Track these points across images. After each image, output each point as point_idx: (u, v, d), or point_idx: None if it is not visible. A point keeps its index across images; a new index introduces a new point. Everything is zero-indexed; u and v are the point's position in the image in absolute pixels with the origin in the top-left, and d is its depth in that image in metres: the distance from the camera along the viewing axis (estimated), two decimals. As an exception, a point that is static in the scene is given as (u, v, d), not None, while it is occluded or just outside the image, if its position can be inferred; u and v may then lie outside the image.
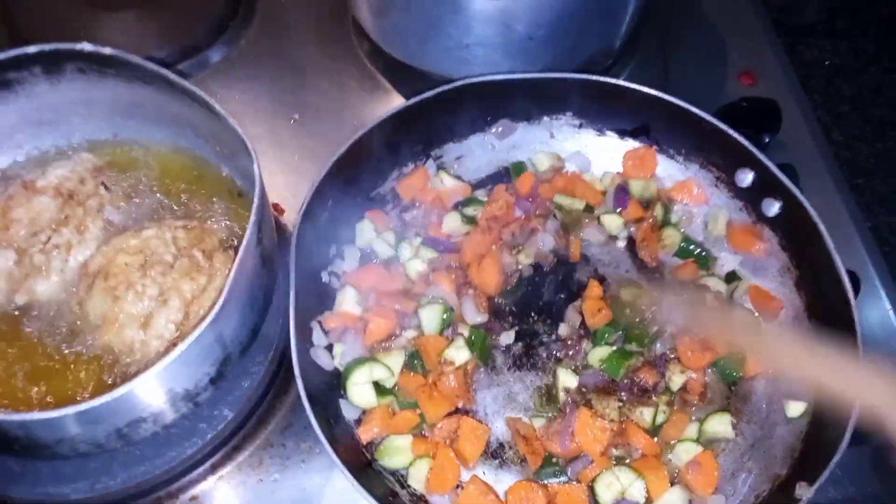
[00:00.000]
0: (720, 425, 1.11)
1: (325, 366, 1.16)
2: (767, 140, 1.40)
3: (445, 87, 1.27)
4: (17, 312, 1.13)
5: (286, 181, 1.40)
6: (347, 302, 1.22)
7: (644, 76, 1.56)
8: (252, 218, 0.99)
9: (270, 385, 1.18)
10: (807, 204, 1.17)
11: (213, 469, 1.12)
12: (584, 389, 1.16)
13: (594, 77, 1.28)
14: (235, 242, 1.18)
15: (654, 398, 1.13)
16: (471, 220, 1.29)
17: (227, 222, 1.22)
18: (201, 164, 1.27)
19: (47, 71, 1.17)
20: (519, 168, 1.36)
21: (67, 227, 1.16)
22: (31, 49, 1.12)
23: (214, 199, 1.24)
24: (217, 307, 0.93)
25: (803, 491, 0.99)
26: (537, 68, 1.37)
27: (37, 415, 0.85)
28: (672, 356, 1.17)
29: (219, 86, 1.54)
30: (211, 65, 1.59)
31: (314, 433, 1.14)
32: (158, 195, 1.25)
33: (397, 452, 1.10)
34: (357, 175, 1.28)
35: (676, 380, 1.13)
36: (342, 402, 1.15)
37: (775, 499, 1.03)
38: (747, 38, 1.65)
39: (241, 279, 0.97)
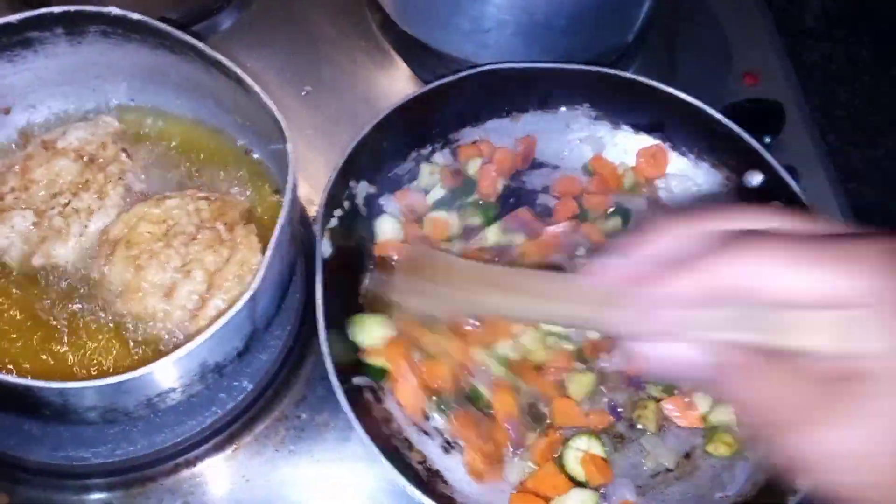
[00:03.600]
0: (725, 415, 1.17)
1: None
2: (768, 141, 1.45)
3: (469, 72, 1.29)
4: (33, 275, 1.13)
5: (299, 154, 1.40)
6: (387, 231, 1.26)
7: (650, 72, 1.57)
8: (286, 198, 1.00)
9: (287, 358, 1.20)
10: (813, 210, 1.22)
11: (231, 439, 1.14)
12: None
13: (616, 72, 1.31)
14: (257, 215, 1.19)
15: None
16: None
17: (247, 195, 1.22)
18: (220, 135, 1.27)
19: (69, 32, 1.15)
20: None
21: (88, 192, 1.16)
22: (56, 9, 1.10)
23: (234, 171, 1.24)
24: (255, 284, 0.94)
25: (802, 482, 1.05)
26: (553, 57, 1.39)
27: (78, 384, 0.87)
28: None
29: (231, 51, 1.52)
30: (222, 29, 1.57)
31: (328, 407, 1.18)
32: (177, 164, 1.24)
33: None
34: (376, 156, 1.29)
35: None
36: None
37: (773, 487, 1.09)
38: (751, 38, 1.69)
39: (275, 257, 0.98)
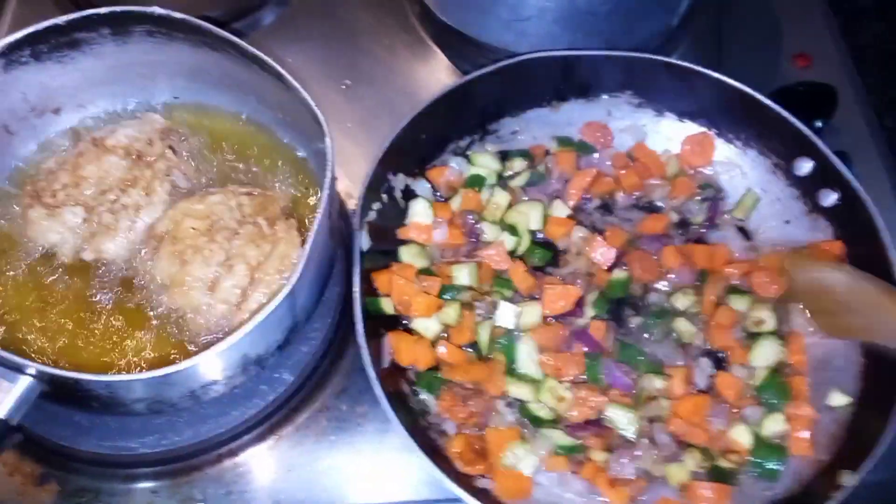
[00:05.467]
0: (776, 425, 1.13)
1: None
2: (820, 125, 1.40)
3: (509, 62, 1.27)
4: (83, 269, 1.16)
5: (338, 147, 1.41)
6: (419, 213, 1.26)
7: (696, 56, 1.54)
8: (325, 193, 1.01)
9: (327, 350, 1.21)
10: (866, 197, 1.18)
11: (272, 430, 1.16)
12: None
13: (661, 57, 1.28)
14: (299, 209, 1.21)
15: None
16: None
17: (289, 189, 1.24)
18: (262, 131, 1.29)
19: (115, 32, 1.18)
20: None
21: (136, 188, 1.18)
22: (103, 10, 1.13)
23: (275, 166, 1.26)
24: (294, 279, 0.95)
25: (848, 479, 1.02)
26: (596, 43, 1.36)
27: (124, 377, 0.89)
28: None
29: (271, 47, 1.54)
30: (263, 25, 1.59)
31: (368, 398, 1.19)
32: (221, 160, 1.26)
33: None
34: (414, 149, 1.29)
35: None
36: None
37: (819, 484, 1.07)
38: (803, 18, 1.63)
39: (314, 252, 0.99)
